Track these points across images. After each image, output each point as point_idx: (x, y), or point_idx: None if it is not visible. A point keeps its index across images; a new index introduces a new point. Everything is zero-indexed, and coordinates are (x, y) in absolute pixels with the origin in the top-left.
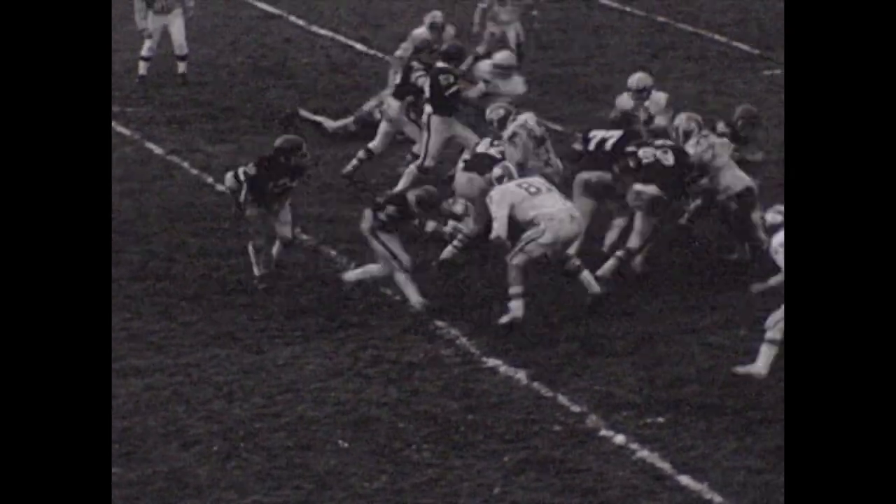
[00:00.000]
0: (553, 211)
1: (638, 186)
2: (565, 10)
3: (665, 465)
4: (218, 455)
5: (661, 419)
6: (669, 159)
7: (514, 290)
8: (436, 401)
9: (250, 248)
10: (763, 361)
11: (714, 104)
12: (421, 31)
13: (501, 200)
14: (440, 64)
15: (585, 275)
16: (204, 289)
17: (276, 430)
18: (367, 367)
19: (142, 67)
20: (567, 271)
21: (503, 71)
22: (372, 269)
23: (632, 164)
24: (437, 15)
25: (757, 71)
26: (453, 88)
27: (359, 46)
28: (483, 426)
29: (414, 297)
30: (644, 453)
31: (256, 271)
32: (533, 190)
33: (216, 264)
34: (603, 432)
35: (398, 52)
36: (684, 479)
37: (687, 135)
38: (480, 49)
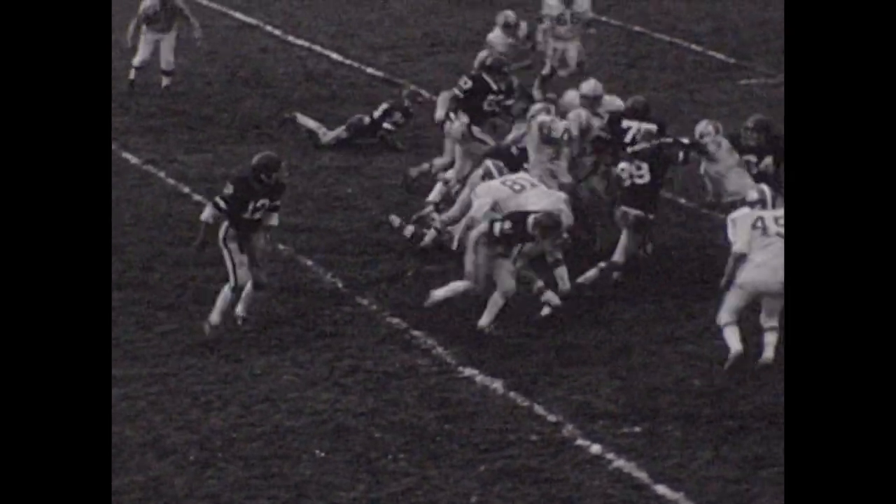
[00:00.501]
0: (539, 207)
1: (624, 207)
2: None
3: (642, 475)
4: (195, 465)
5: (637, 428)
6: (644, 175)
7: (537, 286)
8: (412, 410)
9: (225, 291)
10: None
11: (690, 113)
12: (496, 34)
13: (485, 196)
14: (484, 76)
15: (561, 271)
16: (181, 298)
17: (252, 439)
18: (343, 377)
19: (132, 73)
20: (549, 261)
21: (591, 101)
22: (457, 288)
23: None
24: (509, 14)
25: (733, 80)
26: (491, 97)
27: (335, 56)
28: (459, 436)
29: (486, 319)
30: (620, 463)
31: (214, 318)
32: (517, 188)
33: (193, 274)
34: (579, 442)
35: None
36: (661, 489)
37: (703, 136)
38: (545, 70)
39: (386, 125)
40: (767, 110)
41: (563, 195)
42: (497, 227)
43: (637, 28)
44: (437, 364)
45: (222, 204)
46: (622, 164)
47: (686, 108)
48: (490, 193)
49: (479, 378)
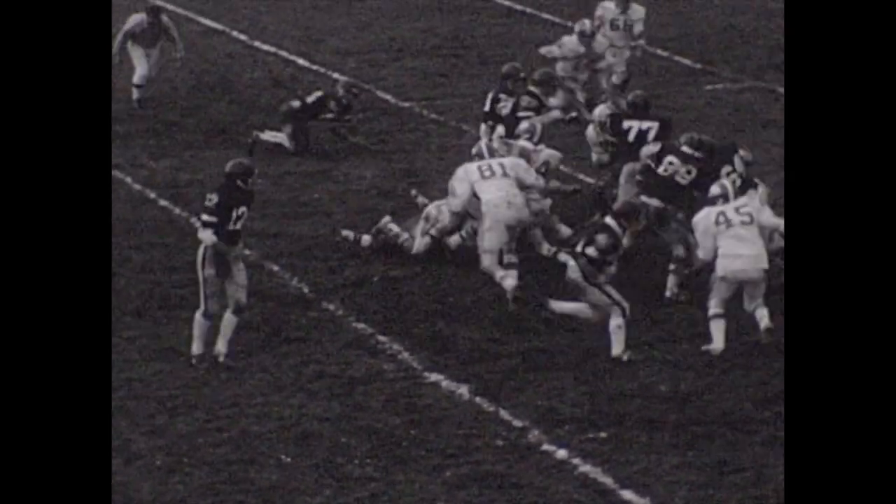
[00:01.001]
0: (490, 197)
1: (643, 198)
2: (507, 25)
3: (607, 480)
4: (161, 470)
5: (603, 434)
6: (686, 179)
7: (498, 275)
8: (378, 416)
9: (198, 318)
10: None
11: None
12: (571, 39)
13: (462, 179)
14: (530, 88)
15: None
16: (147, 304)
17: (218, 444)
18: (309, 382)
19: (135, 93)
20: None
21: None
22: (583, 310)
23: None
24: (586, 23)
25: (699, 85)
26: (527, 114)
27: (301, 62)
28: (425, 441)
29: (619, 349)
30: (587, 468)
31: (196, 348)
32: (487, 174)
33: (159, 279)
34: (545, 447)
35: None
36: (627, 494)
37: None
38: (615, 79)
39: (326, 116)
40: (734, 115)
41: (514, 187)
42: (592, 249)
43: None
44: (403, 369)
45: (209, 217)
46: (671, 158)
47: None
48: (467, 176)
49: (445, 383)
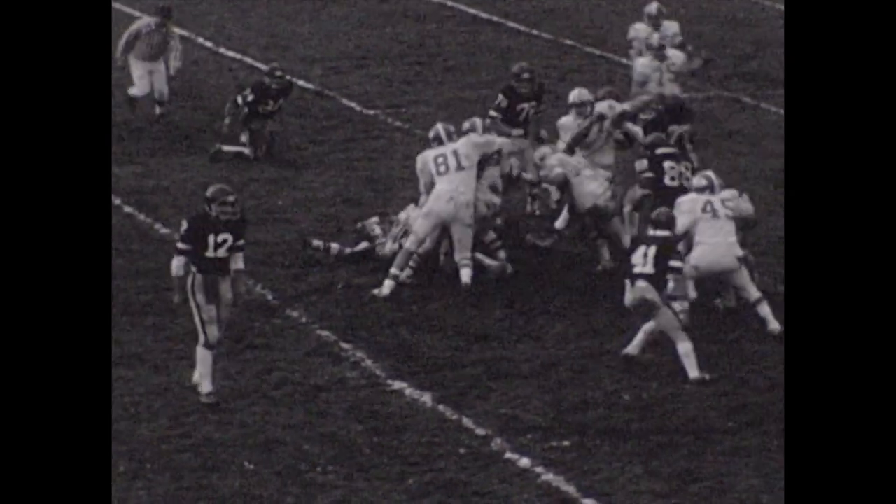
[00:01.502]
0: (437, 189)
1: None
2: (473, 33)
3: (570, 489)
4: (124, 476)
5: (566, 443)
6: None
7: (393, 271)
8: (341, 423)
9: (200, 352)
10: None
11: None
12: (675, 53)
13: (422, 169)
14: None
15: (465, 271)
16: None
17: (182, 451)
18: (272, 390)
19: (132, 106)
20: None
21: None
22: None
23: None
24: (653, 6)
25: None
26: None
27: (267, 68)
28: (388, 448)
29: (695, 371)
30: (549, 476)
31: (205, 386)
32: (442, 169)
33: (123, 285)
34: (508, 455)
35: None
36: (589, 503)
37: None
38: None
39: (268, 108)
40: (698, 124)
41: (466, 182)
42: (675, 263)
43: (568, 41)
44: (366, 377)
45: (182, 245)
46: (670, 163)
47: None
48: (425, 167)
49: (408, 391)
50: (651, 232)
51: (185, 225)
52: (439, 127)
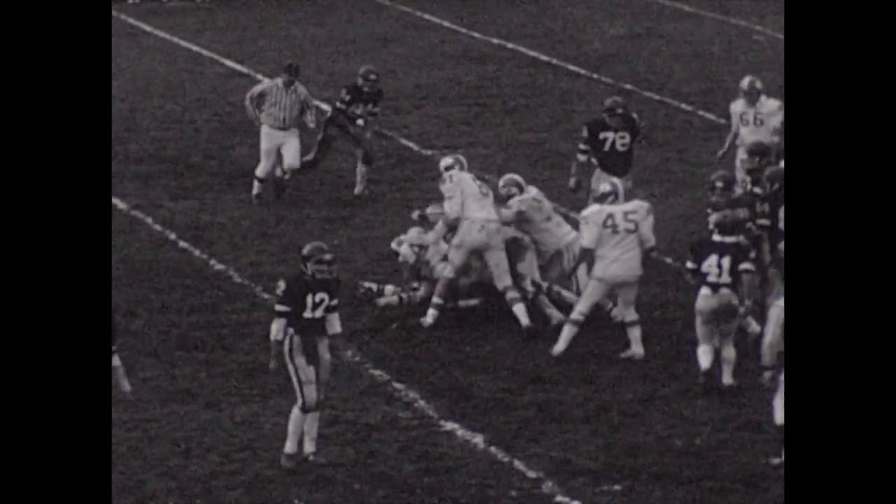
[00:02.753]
0: (470, 215)
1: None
2: (533, 76)
3: None
4: None
5: (617, 487)
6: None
7: (435, 300)
8: (392, 463)
9: (295, 413)
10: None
11: (678, 172)
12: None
13: (455, 187)
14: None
15: (518, 308)
16: (164, 345)
17: (232, 487)
18: (324, 428)
19: (256, 187)
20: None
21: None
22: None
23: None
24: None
25: (722, 140)
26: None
27: (324, 106)
28: (439, 489)
29: (728, 379)
30: None
31: (290, 446)
32: (485, 191)
33: (177, 321)
34: (559, 498)
35: None
36: None
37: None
38: None
39: (356, 113)
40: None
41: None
42: (747, 267)
43: (627, 86)
44: (418, 417)
45: (282, 307)
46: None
47: (675, 168)
48: (460, 185)
49: (460, 432)
50: (719, 238)
51: (282, 286)
52: (459, 156)
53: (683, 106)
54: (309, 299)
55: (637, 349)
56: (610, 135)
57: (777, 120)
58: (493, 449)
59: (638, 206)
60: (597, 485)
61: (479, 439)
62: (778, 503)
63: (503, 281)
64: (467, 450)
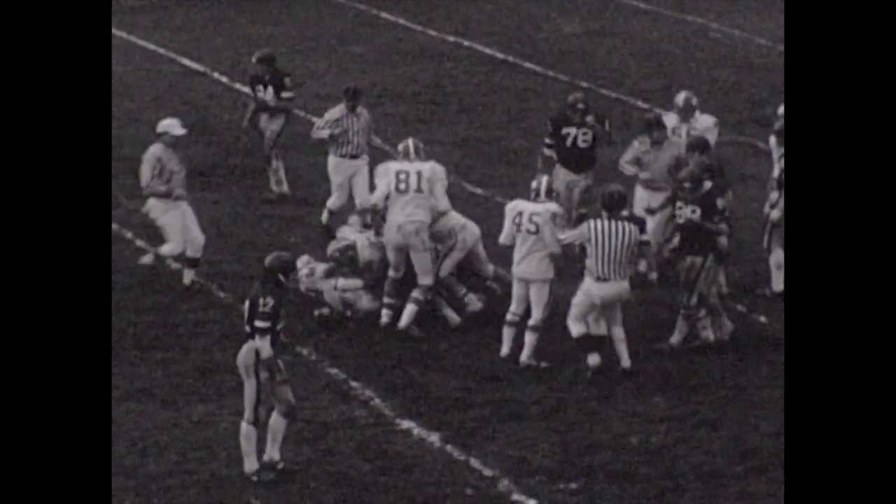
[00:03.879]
0: (389, 217)
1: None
2: (489, 74)
3: None
4: None
5: (573, 485)
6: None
7: (386, 300)
8: (349, 461)
9: (245, 429)
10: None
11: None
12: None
13: (382, 175)
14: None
15: (447, 310)
16: (120, 344)
17: (188, 486)
18: None
19: (325, 216)
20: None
21: None
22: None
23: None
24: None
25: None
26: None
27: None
28: (395, 488)
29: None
30: None
31: (249, 465)
32: (402, 187)
33: (133, 320)
34: (515, 496)
35: None
36: None
37: None
38: None
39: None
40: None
41: (420, 206)
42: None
43: (584, 83)
44: (374, 416)
45: (266, 323)
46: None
47: None
48: (385, 177)
49: (417, 430)
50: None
51: (270, 302)
52: (409, 142)
53: (640, 103)
54: (281, 312)
55: (525, 356)
56: (572, 130)
57: (712, 136)
58: (449, 447)
59: (545, 209)
60: (553, 483)
61: (435, 437)
62: (733, 499)
63: (423, 280)
64: (423, 448)
